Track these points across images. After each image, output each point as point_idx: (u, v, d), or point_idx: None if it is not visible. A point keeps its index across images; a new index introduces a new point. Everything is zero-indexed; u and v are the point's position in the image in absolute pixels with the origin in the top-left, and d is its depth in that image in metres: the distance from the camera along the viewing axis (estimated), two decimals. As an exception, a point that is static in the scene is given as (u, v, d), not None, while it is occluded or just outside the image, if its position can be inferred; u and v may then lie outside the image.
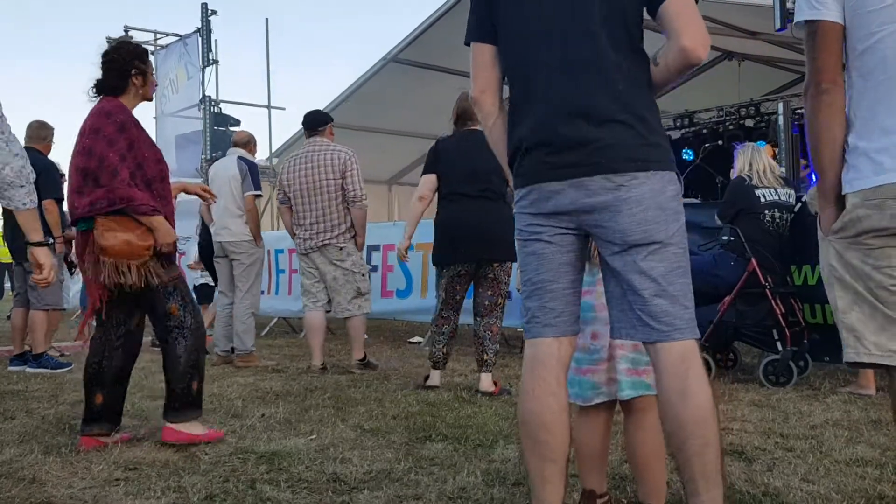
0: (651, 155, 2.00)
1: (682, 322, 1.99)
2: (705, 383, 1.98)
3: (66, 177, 3.73)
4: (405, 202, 14.52)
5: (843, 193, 1.96)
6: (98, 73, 3.68)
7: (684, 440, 1.94)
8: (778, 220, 5.29)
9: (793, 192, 5.52)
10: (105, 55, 3.71)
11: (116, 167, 3.48)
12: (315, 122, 6.08)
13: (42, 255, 3.21)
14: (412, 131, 12.70)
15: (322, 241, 5.85)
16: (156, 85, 3.85)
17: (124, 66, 3.66)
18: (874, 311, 1.96)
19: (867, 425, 3.83)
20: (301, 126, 6.23)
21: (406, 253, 5.44)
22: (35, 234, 3.24)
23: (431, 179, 5.14)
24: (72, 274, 8.00)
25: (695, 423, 1.93)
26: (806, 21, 1.98)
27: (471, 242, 4.93)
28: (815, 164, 2.01)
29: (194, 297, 3.79)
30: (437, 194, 5.21)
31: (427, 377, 5.16)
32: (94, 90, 3.69)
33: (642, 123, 2.00)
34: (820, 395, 4.64)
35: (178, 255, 4.36)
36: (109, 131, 3.52)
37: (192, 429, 3.55)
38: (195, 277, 8.78)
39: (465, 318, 5.37)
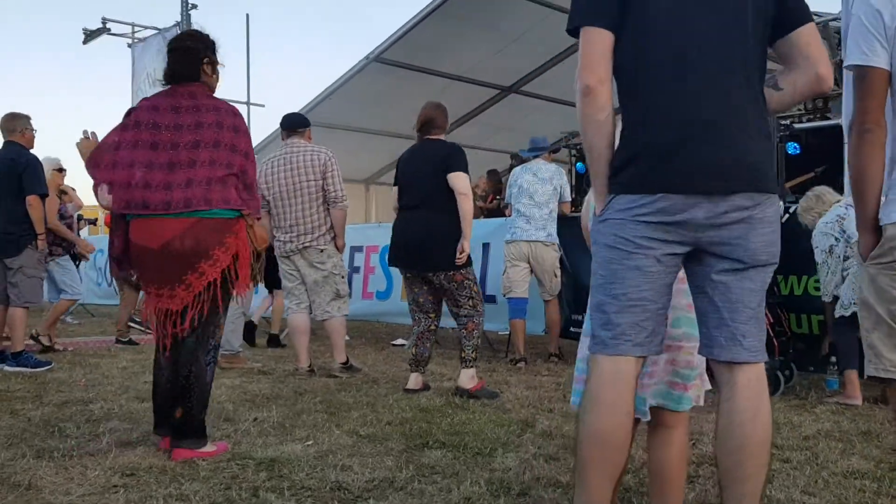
0: (774, 176, 2.02)
1: (762, 345, 2.05)
2: (770, 406, 2.04)
3: (170, 164, 3.43)
4: (382, 202, 14.48)
5: (881, 224, 2.10)
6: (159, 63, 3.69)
7: (743, 460, 1.97)
8: (766, 231, 5.35)
9: (780, 202, 5.59)
10: (180, 41, 3.66)
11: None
12: (294, 124, 5.95)
13: None
14: (392, 131, 12.63)
15: (303, 243, 5.74)
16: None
17: (198, 55, 3.59)
18: (891, 330, 2.12)
19: (858, 437, 3.88)
20: (279, 125, 6.06)
21: None
22: None
23: (395, 191, 5.35)
24: (77, 266, 7.87)
25: (759, 443, 1.98)
26: (855, 65, 2.10)
27: (408, 253, 5.10)
28: (856, 196, 2.14)
29: None
30: None
31: None
32: (170, 76, 3.59)
33: (770, 143, 2.03)
34: (808, 406, 4.69)
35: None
36: (244, 129, 3.55)
37: (206, 448, 3.44)
38: None
39: (451, 323, 5.37)
